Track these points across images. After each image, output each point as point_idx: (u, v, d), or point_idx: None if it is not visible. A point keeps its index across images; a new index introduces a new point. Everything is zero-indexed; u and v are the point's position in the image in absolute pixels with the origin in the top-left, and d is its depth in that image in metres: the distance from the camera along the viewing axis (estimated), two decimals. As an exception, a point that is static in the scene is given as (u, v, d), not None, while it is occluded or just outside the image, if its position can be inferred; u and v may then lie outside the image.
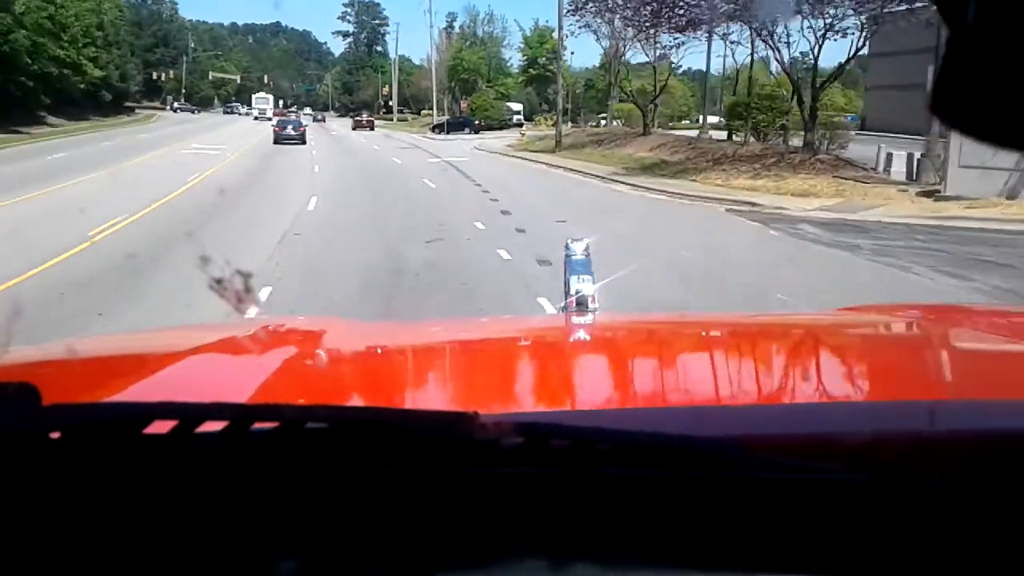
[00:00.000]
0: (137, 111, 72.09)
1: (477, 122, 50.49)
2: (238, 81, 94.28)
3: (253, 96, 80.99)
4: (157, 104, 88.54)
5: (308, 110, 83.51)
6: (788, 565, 0.55)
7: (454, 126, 48.65)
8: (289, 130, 30.92)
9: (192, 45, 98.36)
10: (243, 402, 0.77)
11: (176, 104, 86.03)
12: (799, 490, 0.57)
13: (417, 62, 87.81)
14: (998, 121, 0.42)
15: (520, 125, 54.47)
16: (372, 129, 53.89)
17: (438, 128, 48.98)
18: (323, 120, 68.73)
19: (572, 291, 1.59)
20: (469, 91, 61.09)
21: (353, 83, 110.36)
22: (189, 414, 0.55)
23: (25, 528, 0.54)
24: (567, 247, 1.70)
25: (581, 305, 1.57)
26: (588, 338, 1.47)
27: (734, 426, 0.67)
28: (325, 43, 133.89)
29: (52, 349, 1.19)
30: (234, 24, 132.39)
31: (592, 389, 1.01)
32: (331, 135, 46.34)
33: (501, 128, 52.30)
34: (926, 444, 0.62)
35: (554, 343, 1.41)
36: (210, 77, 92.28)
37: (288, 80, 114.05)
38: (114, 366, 1.11)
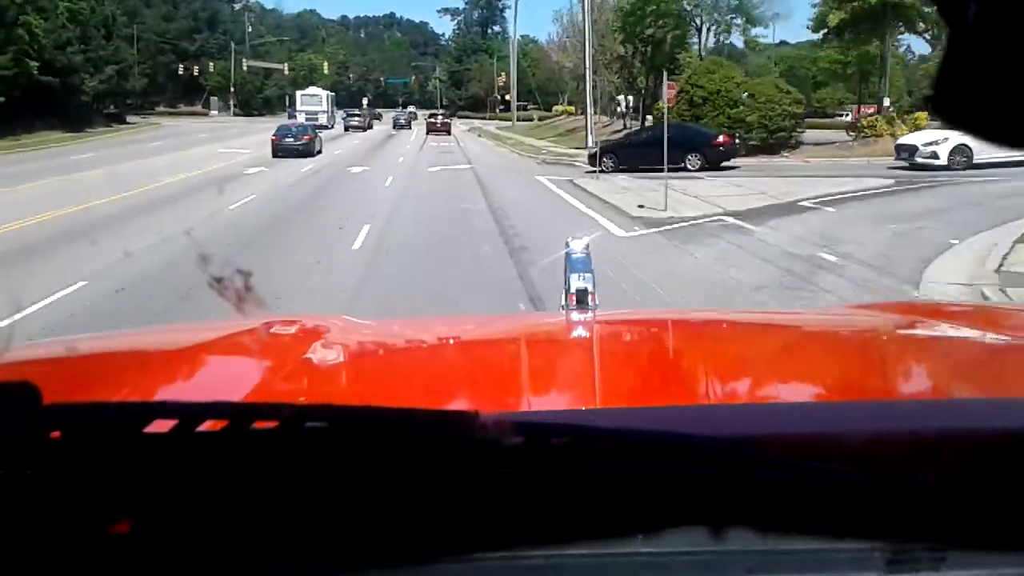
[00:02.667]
0: (135, 118, 48.28)
1: (723, 139, 18.76)
2: (285, 72, 67.19)
3: (299, 94, 54.49)
4: (198, 107, 65.08)
5: (412, 108, 68.73)
6: (788, 564, 0.56)
7: (645, 148, 15.42)
8: (289, 140, 24.68)
9: (249, 29, 73.37)
10: (244, 401, 0.78)
11: (214, 110, 62.15)
12: (800, 489, 0.57)
13: (544, 42, 58.90)
14: (999, 119, 0.43)
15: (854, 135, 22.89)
16: (449, 133, 41.94)
17: (604, 155, 18.28)
18: (407, 124, 50.47)
19: (572, 289, 1.60)
20: (659, 63, 26.57)
21: (462, 73, 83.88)
22: (190, 413, 0.54)
23: (25, 528, 0.53)
24: (567, 245, 1.72)
25: (581, 303, 1.58)
26: (588, 336, 1.47)
27: (734, 425, 0.66)
28: (443, 33, 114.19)
29: (53, 348, 1.16)
30: (344, 17, 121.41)
31: (592, 387, 1.01)
32: (353, 176, 18.72)
33: (769, 150, 20.12)
34: (926, 443, 0.61)
35: (554, 341, 1.42)
36: (244, 67, 64.87)
37: (399, 74, 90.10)
38: (115, 365, 1.11)
